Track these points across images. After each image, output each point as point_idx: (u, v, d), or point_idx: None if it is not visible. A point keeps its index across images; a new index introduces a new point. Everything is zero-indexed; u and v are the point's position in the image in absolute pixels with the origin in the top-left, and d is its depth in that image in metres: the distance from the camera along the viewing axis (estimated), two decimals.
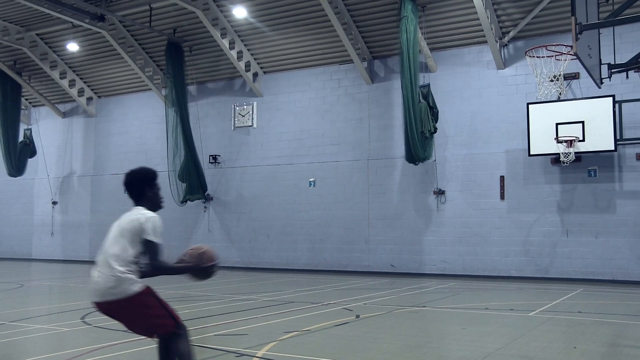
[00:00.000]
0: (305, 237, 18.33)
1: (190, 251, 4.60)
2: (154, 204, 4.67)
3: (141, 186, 4.67)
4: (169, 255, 4.65)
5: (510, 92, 15.98)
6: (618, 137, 14.14)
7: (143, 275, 4.43)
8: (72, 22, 18.95)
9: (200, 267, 4.52)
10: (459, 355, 6.31)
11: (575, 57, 7.36)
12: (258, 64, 19.43)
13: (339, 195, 17.96)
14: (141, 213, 4.49)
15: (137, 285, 4.39)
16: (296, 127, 18.82)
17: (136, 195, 4.66)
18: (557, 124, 14.47)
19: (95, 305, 4.43)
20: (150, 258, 4.38)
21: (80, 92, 22.61)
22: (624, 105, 14.39)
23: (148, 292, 4.44)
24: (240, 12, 17.65)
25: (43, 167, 23.63)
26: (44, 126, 23.99)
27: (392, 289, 13.11)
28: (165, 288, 13.38)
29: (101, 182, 22.52)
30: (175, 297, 11.68)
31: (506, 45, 16.16)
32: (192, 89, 20.59)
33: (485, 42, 16.02)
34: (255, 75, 19.46)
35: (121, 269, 4.33)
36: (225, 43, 18.34)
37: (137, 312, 4.40)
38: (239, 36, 18.74)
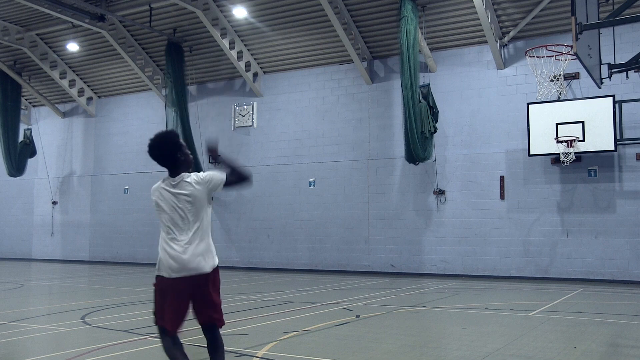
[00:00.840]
0: (305, 237, 18.33)
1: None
2: (189, 165, 4.65)
3: (173, 153, 4.60)
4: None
5: (510, 92, 15.98)
6: (618, 137, 14.14)
7: (229, 183, 4.57)
8: (72, 22, 18.95)
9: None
10: (458, 355, 6.31)
11: (575, 57, 7.36)
12: (258, 64, 19.43)
13: (338, 195, 17.96)
14: (189, 179, 4.51)
15: (216, 258, 4.55)
16: (296, 127, 18.82)
17: (170, 164, 4.60)
18: (557, 124, 14.46)
19: (178, 282, 4.40)
20: (231, 175, 4.56)
21: (80, 92, 22.61)
22: (624, 105, 14.39)
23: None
24: (240, 12, 17.65)
25: (43, 167, 23.63)
26: (44, 126, 24.00)
27: (392, 289, 13.10)
28: None
29: (101, 182, 22.52)
30: None
31: (506, 45, 16.16)
32: (192, 89, 20.59)
33: (485, 42, 16.02)
34: (255, 75, 19.46)
35: (207, 240, 4.48)
36: (225, 43, 18.34)
37: (215, 286, 4.52)
38: (239, 36, 18.74)
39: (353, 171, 17.81)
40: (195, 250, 4.41)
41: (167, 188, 4.55)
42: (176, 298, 4.43)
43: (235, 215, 19.55)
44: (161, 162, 4.65)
